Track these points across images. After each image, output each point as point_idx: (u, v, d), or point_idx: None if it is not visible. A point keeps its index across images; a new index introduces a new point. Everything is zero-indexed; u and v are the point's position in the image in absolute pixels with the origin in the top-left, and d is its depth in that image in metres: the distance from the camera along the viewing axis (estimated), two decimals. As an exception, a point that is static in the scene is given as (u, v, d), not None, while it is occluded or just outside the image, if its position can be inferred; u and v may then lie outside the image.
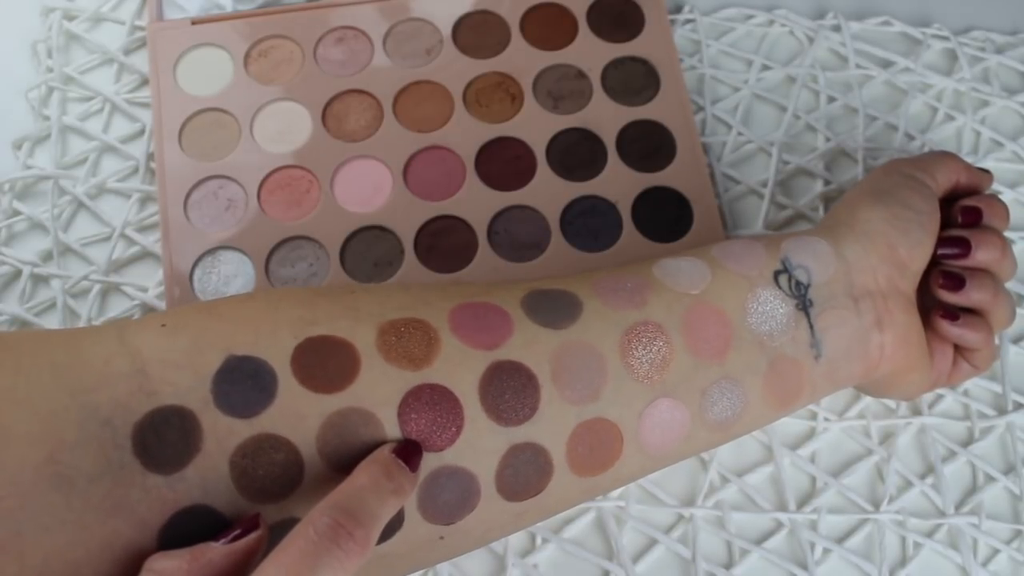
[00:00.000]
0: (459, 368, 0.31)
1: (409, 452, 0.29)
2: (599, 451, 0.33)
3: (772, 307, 0.35)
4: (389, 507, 0.28)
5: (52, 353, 0.28)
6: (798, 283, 0.35)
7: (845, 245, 0.37)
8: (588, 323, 0.33)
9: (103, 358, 0.28)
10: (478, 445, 0.31)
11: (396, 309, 0.31)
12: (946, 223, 0.39)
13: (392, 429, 0.30)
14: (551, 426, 0.32)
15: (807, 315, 0.35)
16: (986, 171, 0.41)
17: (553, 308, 0.33)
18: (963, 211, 0.39)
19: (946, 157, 0.40)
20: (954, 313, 0.38)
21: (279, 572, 0.24)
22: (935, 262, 0.38)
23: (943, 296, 0.38)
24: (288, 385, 0.29)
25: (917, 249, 0.37)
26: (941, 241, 0.38)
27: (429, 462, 0.30)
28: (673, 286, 0.34)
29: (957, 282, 0.37)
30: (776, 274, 0.35)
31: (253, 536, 0.27)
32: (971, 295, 0.37)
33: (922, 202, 0.38)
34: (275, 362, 0.29)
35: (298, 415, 0.29)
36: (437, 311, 0.32)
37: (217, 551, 0.26)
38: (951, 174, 0.40)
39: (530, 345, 0.32)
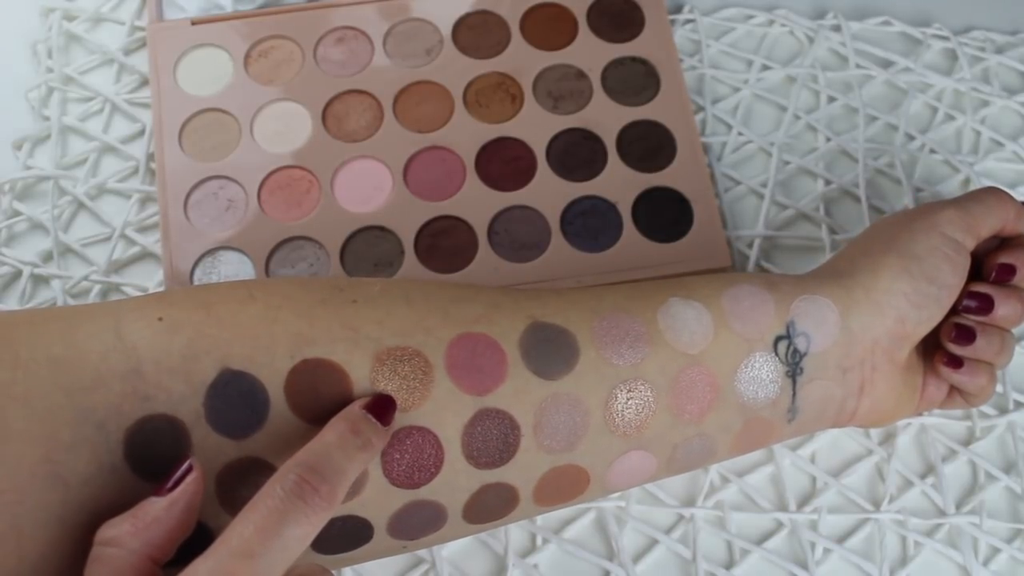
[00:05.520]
0: (447, 412, 0.31)
1: (382, 407, 0.30)
2: (565, 489, 0.34)
3: (763, 373, 0.35)
4: (356, 462, 0.28)
5: (49, 346, 0.28)
6: (795, 351, 0.35)
7: (854, 315, 0.36)
8: (581, 376, 0.33)
9: (99, 353, 0.28)
10: (453, 484, 0.31)
11: (395, 334, 0.31)
12: (975, 266, 0.38)
13: (375, 465, 0.30)
14: (524, 470, 0.32)
15: (793, 382, 0.35)
16: None
17: (550, 353, 0.33)
18: (998, 269, 0.38)
19: (998, 205, 0.38)
20: (957, 360, 0.37)
21: (248, 528, 0.25)
22: (953, 310, 0.37)
23: (950, 347, 0.37)
24: (280, 411, 0.29)
25: (925, 324, 0.36)
26: (967, 294, 0.37)
27: (403, 496, 0.31)
28: (673, 342, 0.34)
29: (969, 337, 0.37)
30: (777, 339, 0.35)
31: (189, 480, 0.27)
32: (979, 349, 0.37)
33: (950, 275, 0.36)
34: (269, 384, 0.29)
35: (287, 443, 0.29)
36: (436, 342, 0.31)
37: (159, 505, 0.26)
38: (998, 223, 0.38)
39: (519, 395, 0.32)
